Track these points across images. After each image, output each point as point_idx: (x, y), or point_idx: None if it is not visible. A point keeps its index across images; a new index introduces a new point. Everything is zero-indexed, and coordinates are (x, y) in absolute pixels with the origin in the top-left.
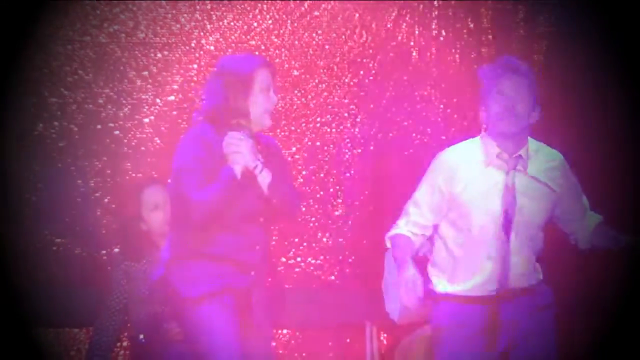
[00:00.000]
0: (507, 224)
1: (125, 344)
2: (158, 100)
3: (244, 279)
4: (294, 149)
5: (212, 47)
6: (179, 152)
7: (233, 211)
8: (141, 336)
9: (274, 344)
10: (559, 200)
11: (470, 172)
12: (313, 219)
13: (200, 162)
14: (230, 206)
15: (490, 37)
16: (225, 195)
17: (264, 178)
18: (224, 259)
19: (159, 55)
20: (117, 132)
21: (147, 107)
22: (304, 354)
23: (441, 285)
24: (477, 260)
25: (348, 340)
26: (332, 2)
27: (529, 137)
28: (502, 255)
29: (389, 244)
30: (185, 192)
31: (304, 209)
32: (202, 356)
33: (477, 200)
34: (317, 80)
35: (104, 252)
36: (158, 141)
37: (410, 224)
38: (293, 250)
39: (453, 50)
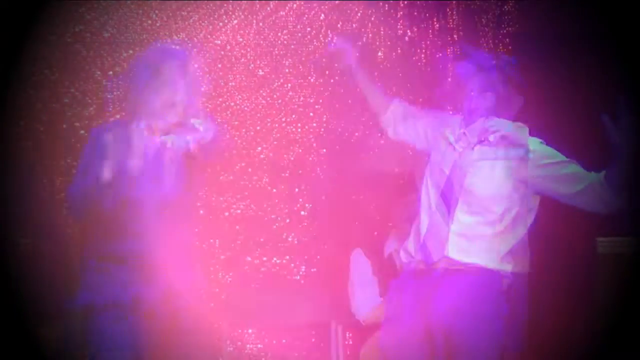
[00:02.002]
0: (447, 192)
1: None
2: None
3: (151, 285)
4: (259, 148)
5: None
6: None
7: (123, 212)
8: None
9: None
10: (517, 170)
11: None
12: (278, 218)
13: (86, 156)
14: (131, 203)
15: (455, 36)
16: (100, 191)
17: (167, 174)
18: (123, 263)
19: (125, 54)
20: (82, 132)
21: (112, 106)
22: (269, 354)
23: None
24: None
25: (313, 340)
26: (297, 1)
27: (493, 118)
28: (438, 221)
29: None
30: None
31: (269, 209)
32: None
33: (433, 167)
34: (282, 80)
35: (70, 251)
36: None
37: None
38: (258, 249)
39: (419, 50)
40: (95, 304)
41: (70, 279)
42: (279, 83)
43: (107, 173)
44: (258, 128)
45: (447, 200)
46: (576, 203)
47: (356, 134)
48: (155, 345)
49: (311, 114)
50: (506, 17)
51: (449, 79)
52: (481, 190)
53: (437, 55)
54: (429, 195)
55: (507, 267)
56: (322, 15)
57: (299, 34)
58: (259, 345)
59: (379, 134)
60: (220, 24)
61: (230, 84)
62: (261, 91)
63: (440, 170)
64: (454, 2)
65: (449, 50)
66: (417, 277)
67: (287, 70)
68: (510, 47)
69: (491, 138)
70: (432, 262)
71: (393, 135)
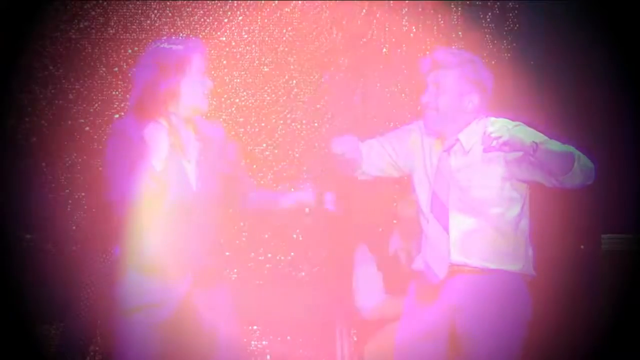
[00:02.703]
0: (435, 201)
1: (97, 340)
2: (128, 97)
3: (180, 286)
4: (264, 145)
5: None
6: (105, 151)
7: (162, 208)
8: None
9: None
10: (514, 168)
11: (422, 145)
12: (283, 215)
13: (122, 157)
14: (158, 202)
15: (460, 33)
16: (148, 191)
17: (190, 170)
18: (157, 265)
19: (130, 51)
20: (87, 128)
21: (117, 103)
22: (273, 351)
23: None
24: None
25: (318, 337)
26: None
27: (486, 117)
28: (436, 231)
29: None
30: (105, 194)
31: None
32: None
33: (420, 178)
34: (287, 77)
35: (74, 248)
36: None
37: None
38: (263, 246)
39: (423, 47)
40: (130, 306)
41: (72, 276)
42: (284, 80)
43: (156, 170)
44: (263, 124)
45: (444, 208)
46: (564, 182)
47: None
48: (178, 345)
49: (316, 112)
50: (510, 15)
51: (431, 85)
52: (480, 194)
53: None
54: (422, 209)
55: (511, 267)
56: (327, 11)
57: (304, 31)
58: (264, 343)
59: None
60: (225, 20)
61: (235, 80)
62: (266, 88)
63: (431, 183)
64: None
65: (453, 47)
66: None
67: (291, 67)
68: (514, 45)
69: (494, 144)
70: (438, 279)
71: (361, 176)
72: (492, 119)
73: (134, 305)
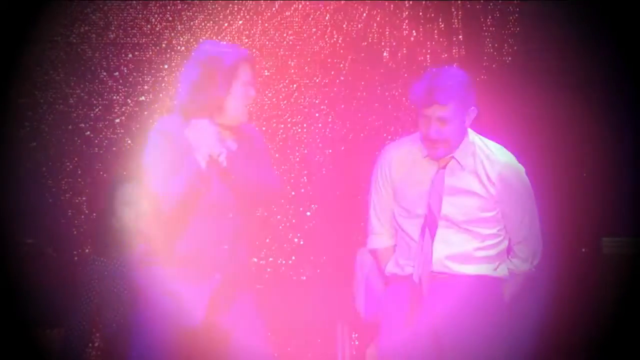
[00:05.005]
0: (430, 216)
1: (97, 344)
2: (129, 101)
3: (204, 287)
4: None
5: (182, 48)
6: (145, 147)
7: (200, 205)
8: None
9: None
10: (494, 204)
11: (410, 162)
12: (284, 219)
13: (163, 154)
14: (198, 199)
15: (460, 37)
16: (191, 186)
17: (232, 168)
18: (186, 262)
19: (130, 55)
20: (88, 133)
21: (118, 107)
22: (275, 354)
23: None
24: (407, 243)
25: (319, 340)
26: (303, 2)
27: (475, 136)
28: (424, 241)
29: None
30: (151, 186)
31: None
32: None
33: (411, 188)
34: (287, 80)
35: (75, 252)
36: (129, 142)
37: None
38: (264, 250)
39: (424, 51)
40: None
41: (73, 281)
42: (284, 83)
43: (200, 166)
44: (263, 128)
45: (435, 221)
46: None
47: (361, 134)
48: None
49: (317, 115)
50: (510, 18)
51: (433, 120)
52: (471, 212)
53: (442, 56)
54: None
55: (491, 272)
56: (328, 15)
57: (304, 35)
58: None
59: (384, 134)
60: (226, 24)
61: None
62: (267, 92)
63: (425, 197)
64: (459, 2)
65: (453, 50)
66: (410, 284)
67: (292, 71)
68: (514, 48)
69: (489, 176)
70: (420, 290)
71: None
72: (485, 141)
73: (157, 307)
